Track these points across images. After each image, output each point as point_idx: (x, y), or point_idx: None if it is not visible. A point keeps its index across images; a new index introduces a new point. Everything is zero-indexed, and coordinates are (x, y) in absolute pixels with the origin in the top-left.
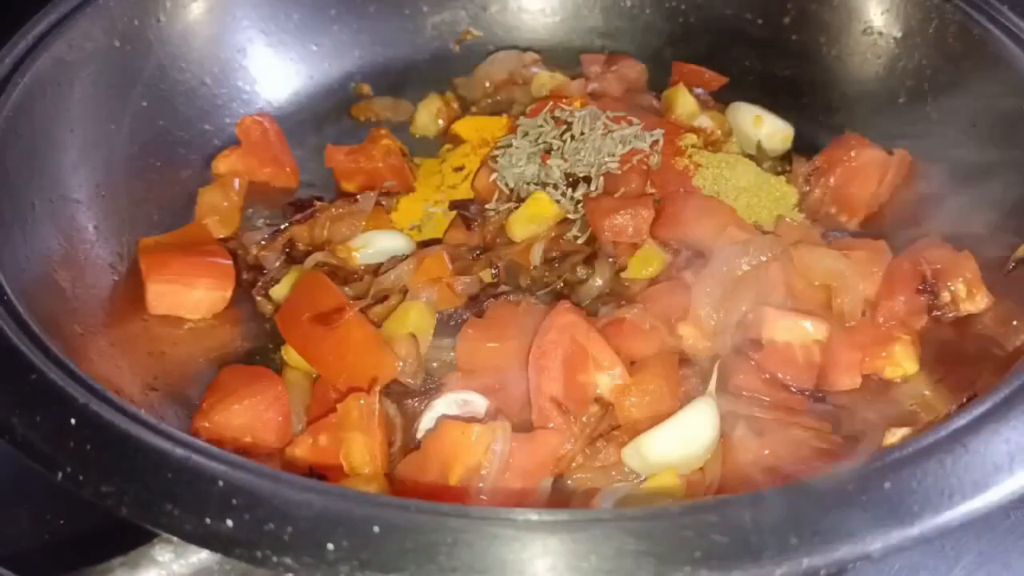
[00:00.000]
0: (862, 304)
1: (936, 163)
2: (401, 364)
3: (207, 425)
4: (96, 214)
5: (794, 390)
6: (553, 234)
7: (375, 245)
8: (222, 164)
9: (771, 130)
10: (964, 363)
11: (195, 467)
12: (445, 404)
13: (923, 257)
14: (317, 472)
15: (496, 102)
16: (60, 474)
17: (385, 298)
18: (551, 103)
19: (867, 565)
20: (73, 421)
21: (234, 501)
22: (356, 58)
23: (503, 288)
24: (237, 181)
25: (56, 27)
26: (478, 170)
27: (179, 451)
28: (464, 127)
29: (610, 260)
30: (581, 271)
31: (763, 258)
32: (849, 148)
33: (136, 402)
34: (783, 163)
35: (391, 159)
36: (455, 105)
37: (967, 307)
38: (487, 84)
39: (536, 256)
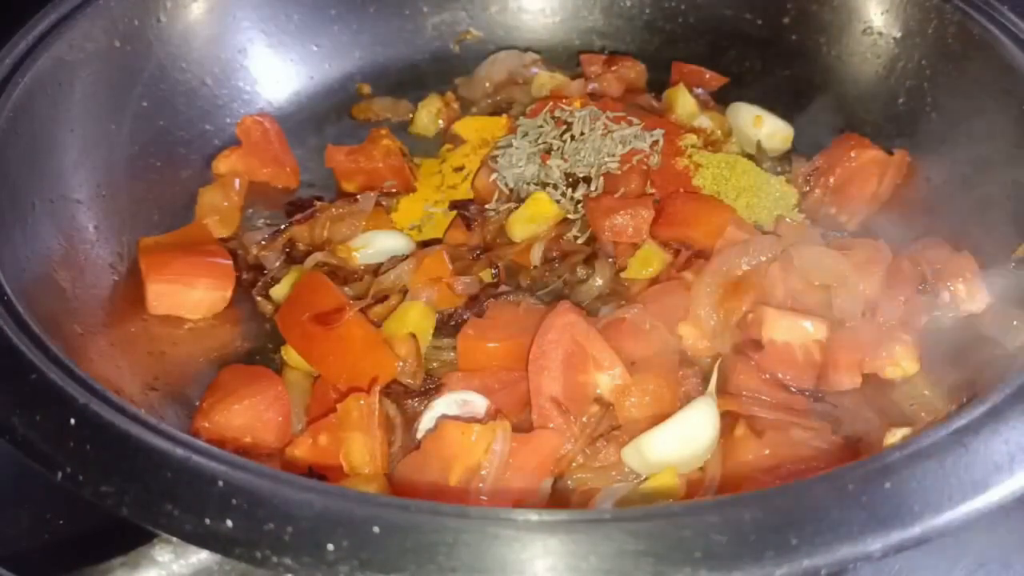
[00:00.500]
0: (862, 304)
1: (936, 163)
2: (401, 364)
3: (207, 425)
4: (96, 214)
5: (794, 390)
6: (553, 234)
7: (375, 245)
8: (222, 164)
9: (771, 130)
10: (964, 363)
11: (195, 467)
12: (445, 404)
13: (923, 257)
14: (317, 472)
15: (496, 102)
16: (60, 474)
17: (385, 298)
18: (551, 103)
19: (867, 565)
20: (73, 421)
21: (234, 501)
22: (356, 58)
23: (503, 288)
24: (237, 181)
25: (56, 27)
26: (478, 170)
27: (179, 451)
28: (464, 127)
29: (610, 260)
30: (581, 271)
31: (763, 258)
32: (849, 148)
33: (136, 402)
34: (783, 163)
35: (391, 159)
36: (455, 105)
37: (967, 307)
38: (487, 84)
39: (536, 256)
